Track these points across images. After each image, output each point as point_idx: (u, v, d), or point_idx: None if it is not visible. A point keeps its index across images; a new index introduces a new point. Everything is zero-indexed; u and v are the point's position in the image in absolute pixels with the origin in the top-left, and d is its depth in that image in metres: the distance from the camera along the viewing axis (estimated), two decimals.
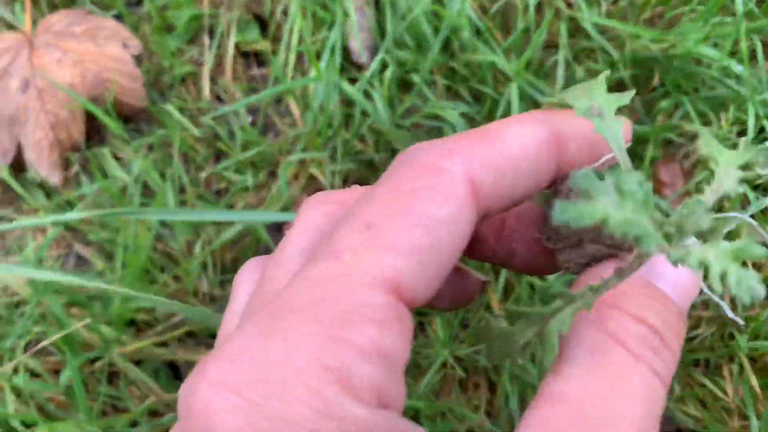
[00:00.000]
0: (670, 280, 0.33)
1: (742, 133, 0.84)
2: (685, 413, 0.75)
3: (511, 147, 0.33)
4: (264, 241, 0.85)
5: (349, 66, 0.99)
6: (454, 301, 0.43)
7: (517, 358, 0.33)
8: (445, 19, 0.88)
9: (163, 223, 0.90)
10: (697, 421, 0.75)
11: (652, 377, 0.30)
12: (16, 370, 0.75)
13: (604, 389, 0.29)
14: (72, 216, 0.66)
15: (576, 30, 0.96)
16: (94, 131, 0.97)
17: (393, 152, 0.94)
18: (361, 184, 0.97)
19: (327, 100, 0.89)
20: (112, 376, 0.80)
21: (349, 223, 0.30)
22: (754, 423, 0.66)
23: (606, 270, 0.33)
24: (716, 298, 0.34)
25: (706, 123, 0.87)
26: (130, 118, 0.98)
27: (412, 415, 0.77)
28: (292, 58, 0.96)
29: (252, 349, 0.27)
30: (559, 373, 0.31)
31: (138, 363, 0.80)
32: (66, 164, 0.93)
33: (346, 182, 0.94)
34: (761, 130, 0.83)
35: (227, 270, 0.89)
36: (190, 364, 0.82)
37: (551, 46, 0.97)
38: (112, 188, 0.84)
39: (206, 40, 1.03)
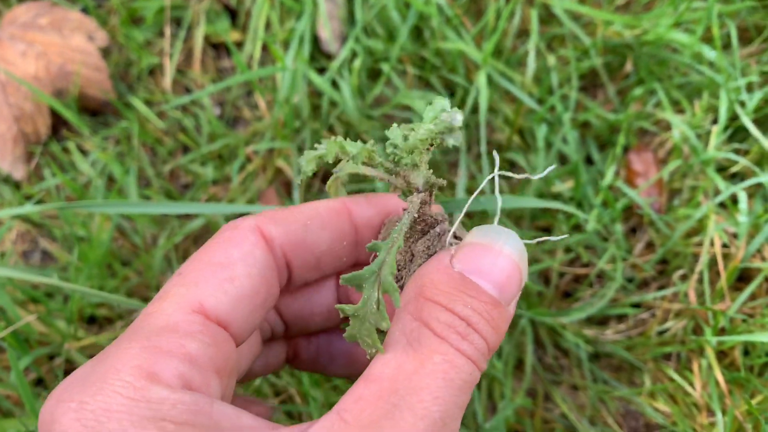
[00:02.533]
0: (486, 275, 0.38)
1: (716, 120, 0.82)
2: (655, 408, 0.74)
3: (304, 209, 0.44)
4: None
5: (320, 55, 0.97)
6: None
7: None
8: (413, 6, 0.86)
9: (127, 217, 0.88)
10: (666, 416, 0.73)
11: (456, 356, 0.36)
12: None
13: (412, 367, 0.35)
14: (26, 209, 0.64)
15: (549, 17, 0.94)
16: (60, 123, 0.96)
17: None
18: (330, 175, 0.95)
19: (292, 90, 0.87)
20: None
21: (171, 277, 0.40)
22: (720, 419, 0.63)
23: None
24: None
25: (680, 110, 0.85)
26: (97, 110, 0.96)
27: None
28: (258, 48, 0.95)
29: (87, 367, 0.36)
30: (379, 356, 0.36)
31: None
32: (30, 158, 0.92)
33: (315, 175, 0.92)
34: (734, 117, 0.81)
35: None
36: None
37: (524, 34, 0.95)
38: (71, 183, 0.82)
39: (173, 31, 1.01)
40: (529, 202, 0.53)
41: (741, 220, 0.70)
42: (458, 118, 0.40)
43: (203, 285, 0.38)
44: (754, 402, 0.63)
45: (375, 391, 0.34)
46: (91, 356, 0.77)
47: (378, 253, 0.37)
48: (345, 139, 0.81)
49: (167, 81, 0.96)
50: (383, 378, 0.35)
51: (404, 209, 0.40)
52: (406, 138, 0.40)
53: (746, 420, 0.63)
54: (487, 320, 0.37)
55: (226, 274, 0.39)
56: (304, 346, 0.53)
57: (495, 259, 0.38)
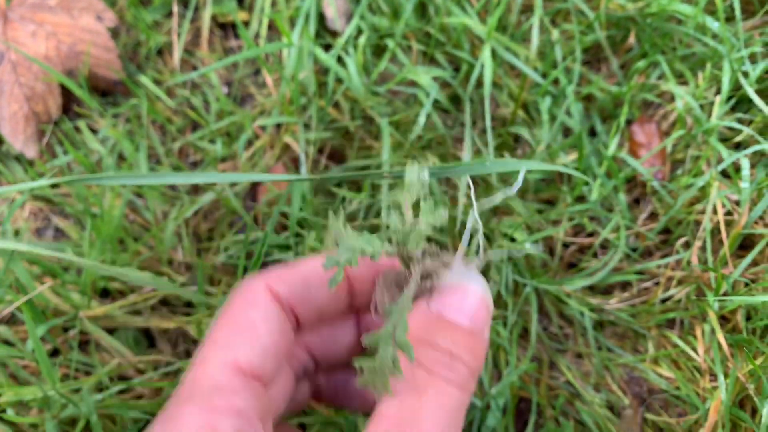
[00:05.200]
0: (459, 311, 0.43)
1: (719, 91, 0.83)
2: (658, 374, 0.75)
3: (304, 267, 0.50)
4: (235, 210, 0.85)
5: (325, 33, 0.98)
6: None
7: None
8: None
9: (139, 194, 0.90)
10: (670, 381, 0.74)
11: (446, 386, 0.42)
12: None
13: (412, 402, 0.41)
14: (38, 184, 0.65)
15: None
16: (71, 103, 0.97)
17: (368, 120, 0.93)
18: (338, 152, 0.96)
19: (298, 67, 0.88)
20: (88, 344, 0.81)
21: (204, 343, 0.46)
22: (722, 381, 0.65)
23: None
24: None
25: (683, 82, 0.85)
26: (107, 90, 0.98)
27: None
28: (265, 25, 0.96)
29: (156, 430, 0.41)
30: (386, 397, 0.42)
31: (112, 331, 0.80)
32: (41, 137, 0.93)
33: (321, 151, 0.94)
34: (738, 88, 0.81)
35: (203, 239, 0.89)
36: (163, 332, 0.82)
37: (528, 9, 0.95)
38: (84, 160, 0.84)
39: (181, 12, 1.02)
40: (530, 164, 0.54)
41: (743, 186, 0.71)
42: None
43: (235, 347, 0.45)
44: (759, 360, 0.64)
45: (384, 428, 0.41)
46: (104, 328, 0.79)
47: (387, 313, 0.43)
48: (351, 115, 0.83)
49: (176, 60, 0.97)
50: (389, 416, 0.41)
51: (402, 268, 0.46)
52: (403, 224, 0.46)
53: (749, 381, 0.64)
54: (466, 349, 0.43)
55: (252, 333, 0.46)
56: (324, 383, 0.60)
57: (464, 297, 0.44)
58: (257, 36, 0.98)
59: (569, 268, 0.84)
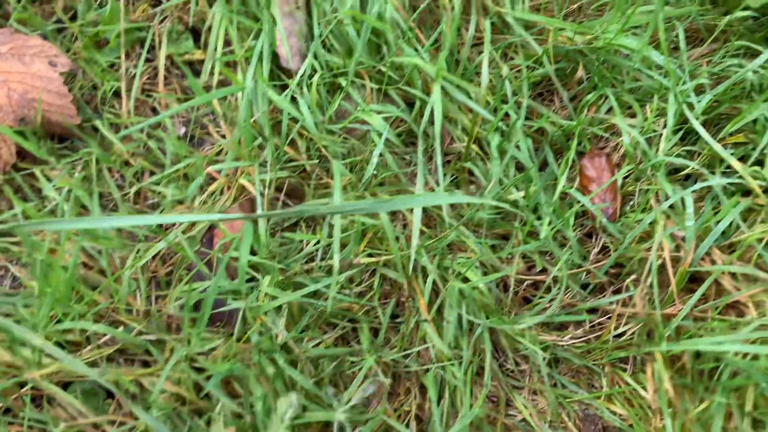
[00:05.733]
0: None
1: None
2: (612, 412, 0.75)
3: None
4: (190, 257, 0.84)
5: (280, 72, 0.98)
6: None
7: None
8: (366, 22, 0.87)
9: (94, 241, 0.90)
10: (624, 419, 0.74)
11: None
12: None
13: None
14: None
15: (505, 26, 0.95)
16: (26, 150, 0.97)
17: (325, 158, 0.93)
18: (296, 190, 0.96)
19: (249, 112, 0.88)
20: (42, 399, 0.80)
21: None
22: (669, 423, 0.65)
23: None
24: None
25: (633, 114, 0.86)
26: (63, 135, 0.98)
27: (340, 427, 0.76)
28: (218, 67, 0.96)
29: None
30: None
31: (67, 385, 0.80)
32: None
33: (280, 190, 0.94)
34: (687, 120, 0.82)
35: (162, 284, 0.89)
36: (120, 384, 0.82)
37: (480, 44, 0.96)
38: (32, 211, 0.84)
39: (136, 52, 1.02)
40: (445, 198, 0.54)
41: (688, 224, 0.72)
42: None
43: None
44: (702, 406, 0.64)
45: None
46: (58, 382, 0.79)
47: None
48: (308, 154, 0.83)
49: (130, 104, 0.97)
50: None
51: None
52: None
53: (695, 425, 0.64)
54: None
55: None
56: None
57: None
58: (211, 74, 0.98)
59: (525, 303, 0.84)
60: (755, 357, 0.63)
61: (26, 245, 0.83)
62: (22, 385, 0.79)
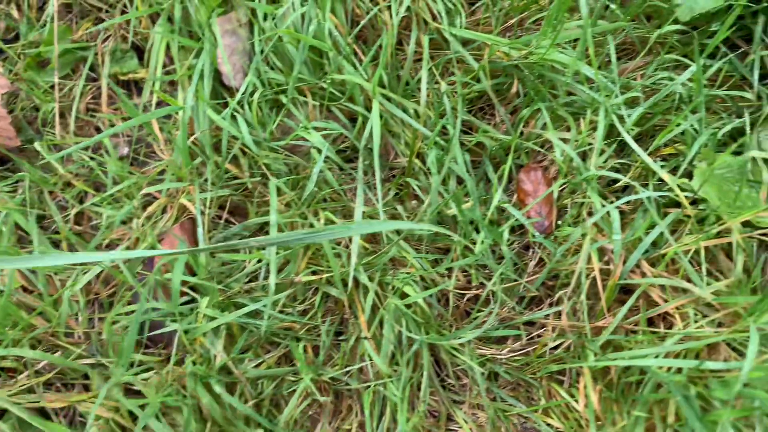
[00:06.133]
0: None
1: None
2: (548, 425, 0.76)
3: None
4: (129, 282, 0.84)
5: (222, 89, 0.98)
6: None
7: None
8: (302, 40, 0.88)
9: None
10: (558, 431, 0.75)
11: None
12: None
13: None
14: None
15: (444, 42, 0.95)
16: None
17: (266, 176, 0.93)
18: (239, 208, 0.96)
19: (184, 132, 0.88)
20: None
21: None
22: None
23: None
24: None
25: (566, 128, 0.87)
26: (2, 158, 0.97)
27: None
28: (158, 86, 0.95)
29: None
30: None
31: (1, 415, 0.79)
32: None
33: (223, 208, 0.93)
34: (618, 133, 0.83)
35: (104, 306, 0.88)
36: (58, 411, 0.81)
37: (421, 59, 0.96)
38: None
39: (80, 72, 1.01)
40: (384, 225, 0.54)
41: (615, 238, 0.72)
42: None
43: None
44: (628, 420, 0.65)
45: None
46: None
47: None
48: (250, 172, 0.82)
49: (71, 125, 0.97)
50: None
51: None
52: None
53: None
54: None
55: None
56: None
57: None
58: (152, 93, 0.97)
59: (466, 316, 0.84)
60: (679, 370, 0.64)
61: None
62: None
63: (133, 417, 0.76)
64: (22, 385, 0.79)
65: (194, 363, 0.75)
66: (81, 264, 0.88)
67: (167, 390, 0.74)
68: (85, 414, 0.77)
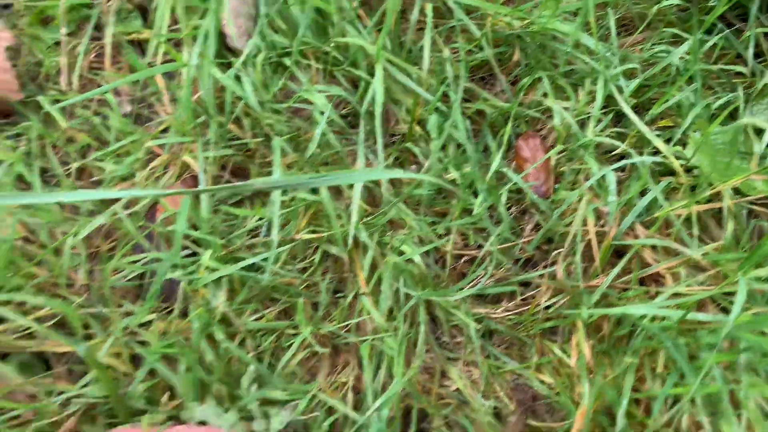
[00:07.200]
0: None
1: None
2: (541, 381, 0.78)
3: None
4: (131, 233, 0.85)
5: (227, 51, 0.99)
6: None
7: None
8: (308, 2, 0.89)
9: (34, 216, 0.90)
10: (551, 388, 0.77)
11: None
12: None
13: None
14: None
15: (447, 10, 0.97)
16: None
17: (269, 136, 0.94)
18: (241, 169, 0.97)
19: (189, 89, 0.89)
20: None
21: None
22: (586, 389, 0.68)
23: None
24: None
25: (566, 98, 0.89)
26: (6, 111, 0.97)
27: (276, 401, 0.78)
28: (162, 46, 0.96)
29: None
30: None
31: (4, 356, 0.80)
32: None
33: (225, 168, 0.95)
34: (615, 105, 0.85)
35: (104, 259, 0.89)
36: (60, 356, 0.82)
37: (424, 28, 0.98)
38: None
39: (84, 30, 1.02)
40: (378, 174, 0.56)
41: (610, 200, 0.75)
42: None
43: None
44: (619, 369, 0.67)
45: None
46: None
47: None
48: (252, 132, 0.84)
49: (74, 80, 0.97)
50: None
51: None
52: None
53: (610, 388, 0.67)
54: None
55: None
56: None
57: None
58: (156, 54, 0.98)
59: (462, 278, 0.86)
60: (667, 325, 0.66)
61: None
62: None
63: (135, 365, 0.78)
64: (24, 330, 0.80)
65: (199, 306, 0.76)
66: (85, 215, 0.88)
67: (171, 340, 0.75)
68: (86, 360, 0.78)
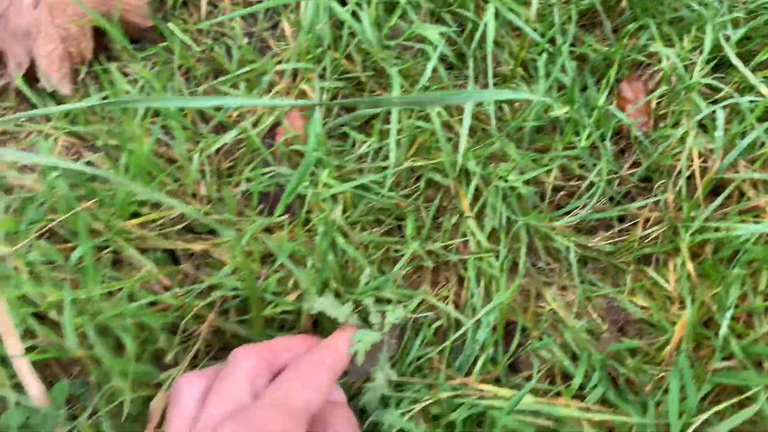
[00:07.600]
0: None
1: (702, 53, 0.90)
2: (634, 304, 0.83)
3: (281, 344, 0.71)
4: (255, 149, 0.92)
5: None
6: None
7: None
8: None
9: (166, 133, 0.97)
10: (645, 310, 0.82)
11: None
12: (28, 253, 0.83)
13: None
14: (66, 107, 0.72)
15: None
16: (101, 48, 1.04)
17: (379, 72, 1.00)
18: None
19: (315, 19, 0.95)
20: (119, 263, 0.88)
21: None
22: (689, 304, 0.73)
23: None
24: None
25: (670, 45, 0.93)
26: (135, 37, 1.05)
27: (388, 300, 0.84)
28: None
29: None
30: None
31: (142, 252, 0.88)
32: (75, 77, 1.00)
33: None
34: (721, 50, 0.89)
35: (223, 176, 0.97)
36: (188, 255, 0.90)
37: None
38: (119, 95, 0.91)
39: None
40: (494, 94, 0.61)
41: (717, 135, 0.79)
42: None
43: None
44: (719, 288, 0.72)
45: None
46: (138, 248, 0.87)
47: None
48: (363, 67, 0.90)
49: (202, 9, 1.04)
50: None
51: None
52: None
53: (712, 304, 0.72)
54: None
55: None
56: None
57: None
58: None
59: (558, 210, 0.92)
60: None
61: (112, 134, 0.91)
62: (100, 249, 0.87)
63: (263, 263, 0.85)
64: (157, 232, 0.88)
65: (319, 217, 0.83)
66: (210, 133, 0.96)
67: (297, 241, 0.82)
68: (219, 259, 0.86)
